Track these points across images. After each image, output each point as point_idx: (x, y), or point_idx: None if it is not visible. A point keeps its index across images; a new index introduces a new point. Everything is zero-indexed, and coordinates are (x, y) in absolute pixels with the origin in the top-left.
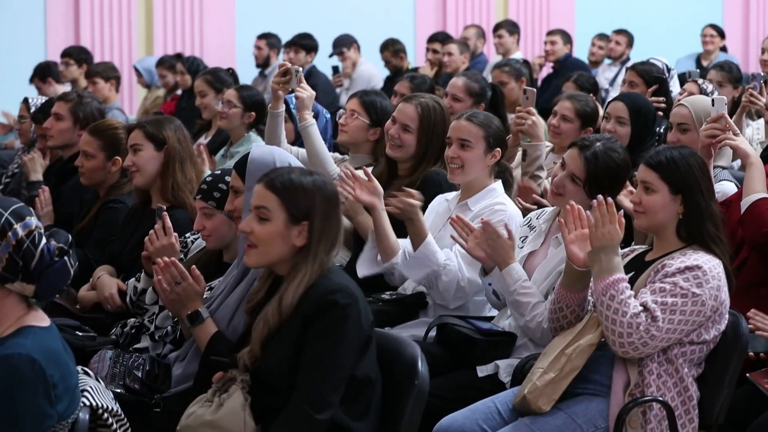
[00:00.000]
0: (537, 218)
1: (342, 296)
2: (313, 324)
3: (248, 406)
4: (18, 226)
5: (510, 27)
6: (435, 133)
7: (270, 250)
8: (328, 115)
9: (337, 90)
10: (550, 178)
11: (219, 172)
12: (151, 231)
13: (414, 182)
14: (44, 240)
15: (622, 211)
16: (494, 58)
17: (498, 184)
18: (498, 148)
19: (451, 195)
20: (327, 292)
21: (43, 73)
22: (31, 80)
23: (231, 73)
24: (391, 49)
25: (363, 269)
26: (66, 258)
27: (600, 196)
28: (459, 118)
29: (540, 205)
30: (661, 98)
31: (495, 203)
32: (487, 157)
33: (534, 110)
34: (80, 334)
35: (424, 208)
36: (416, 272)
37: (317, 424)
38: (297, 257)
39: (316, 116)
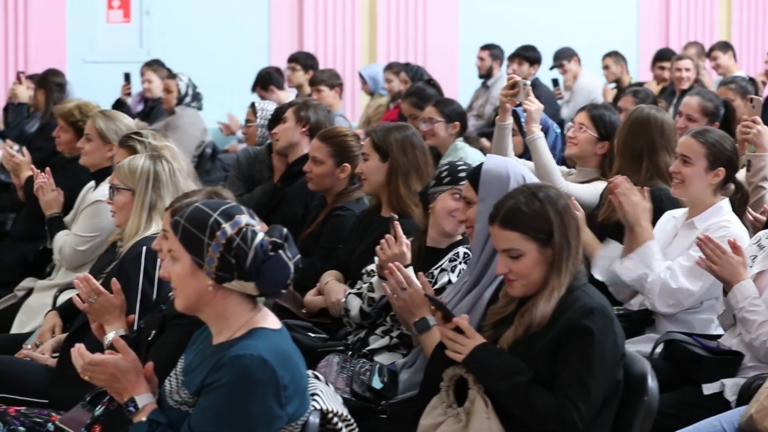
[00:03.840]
0: (767, 237)
1: (599, 317)
2: (571, 343)
3: (492, 411)
4: (227, 225)
5: (721, 47)
6: (620, 143)
7: (533, 279)
8: (559, 130)
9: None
10: None
11: (448, 162)
12: (383, 240)
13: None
14: (259, 236)
15: None
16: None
17: (725, 203)
18: (721, 168)
19: (679, 212)
20: (584, 313)
21: (264, 82)
22: (253, 89)
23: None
24: (614, 57)
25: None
26: (281, 251)
27: None
28: (687, 134)
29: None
30: None
31: (720, 221)
32: (708, 176)
33: (759, 119)
34: (312, 335)
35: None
36: (631, 271)
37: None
38: (548, 272)
39: (545, 130)
